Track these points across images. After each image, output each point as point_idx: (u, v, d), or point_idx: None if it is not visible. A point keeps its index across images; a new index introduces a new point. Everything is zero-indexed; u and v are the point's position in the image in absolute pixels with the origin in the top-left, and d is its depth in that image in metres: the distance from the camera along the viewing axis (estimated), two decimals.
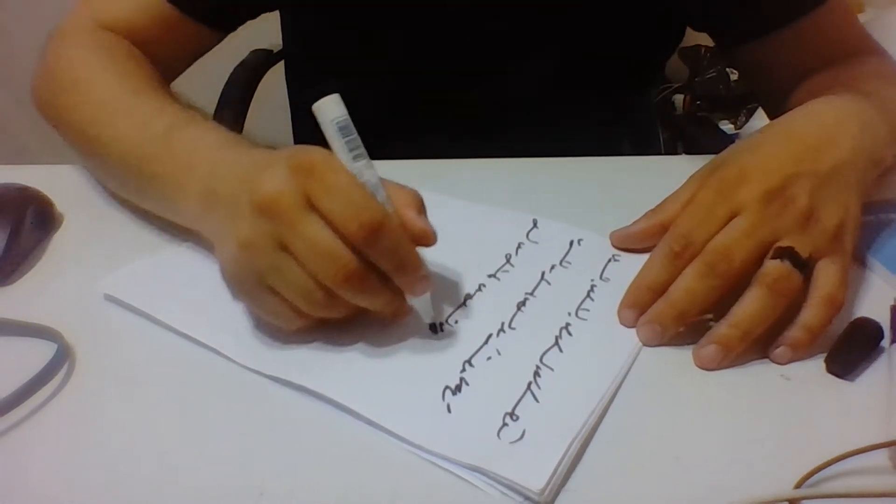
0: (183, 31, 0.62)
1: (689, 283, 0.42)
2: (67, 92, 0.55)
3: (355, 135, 0.38)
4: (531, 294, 0.45)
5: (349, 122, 0.38)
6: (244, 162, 0.41)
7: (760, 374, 0.40)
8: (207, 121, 0.49)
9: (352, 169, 0.37)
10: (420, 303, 0.41)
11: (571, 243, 0.50)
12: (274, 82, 0.94)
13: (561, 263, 0.48)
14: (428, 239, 0.39)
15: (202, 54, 0.67)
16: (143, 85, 0.53)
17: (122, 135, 0.50)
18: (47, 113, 0.57)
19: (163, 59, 0.60)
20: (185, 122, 0.48)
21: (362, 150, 0.38)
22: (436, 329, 0.42)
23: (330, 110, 0.38)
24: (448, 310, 0.44)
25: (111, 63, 0.55)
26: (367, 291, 0.38)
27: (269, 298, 0.39)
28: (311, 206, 0.36)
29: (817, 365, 0.40)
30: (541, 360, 0.40)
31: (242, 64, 1.00)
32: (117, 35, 0.59)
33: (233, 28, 0.67)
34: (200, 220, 0.44)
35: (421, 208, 0.40)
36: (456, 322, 0.43)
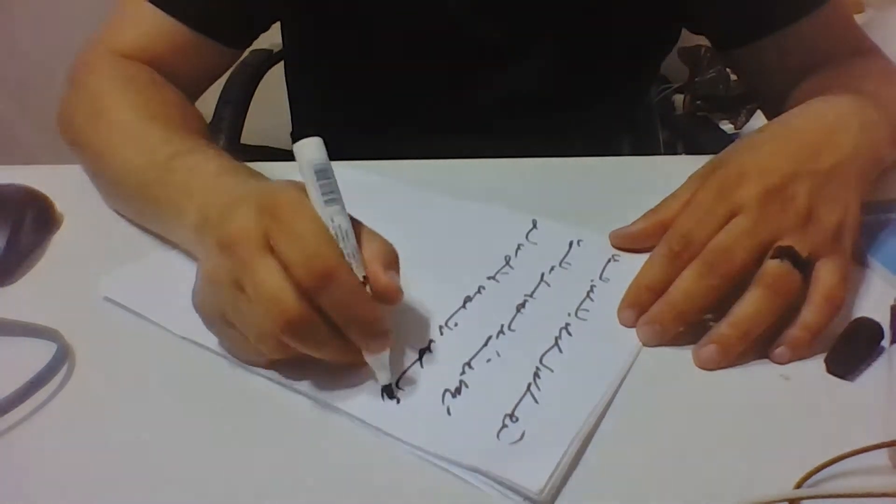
0: (201, 52, 0.62)
1: (689, 284, 0.42)
2: (89, 119, 0.56)
3: (332, 179, 0.38)
4: (531, 296, 0.45)
5: (327, 165, 0.38)
6: (233, 193, 0.41)
7: (760, 374, 0.40)
8: (211, 149, 0.49)
9: (322, 213, 0.37)
10: (374, 361, 0.38)
11: (571, 244, 0.50)
12: (274, 82, 0.94)
13: (560, 264, 0.48)
14: (391, 297, 0.38)
15: (220, 74, 0.67)
16: (158, 112, 0.54)
17: (129, 161, 0.51)
18: (70, 139, 0.58)
19: (183, 81, 0.61)
20: (187, 151, 0.48)
21: (337, 195, 0.37)
22: (391, 394, 0.38)
23: (309, 152, 0.37)
24: (448, 313, 0.44)
25: (130, 91, 0.56)
26: (311, 340, 0.36)
27: (230, 333, 0.39)
28: (270, 248, 0.36)
29: (817, 365, 0.40)
30: (540, 361, 0.40)
31: (242, 63, 1.00)
32: (139, 63, 0.59)
33: (249, 43, 0.68)
34: (195, 245, 0.44)
35: (392, 263, 0.39)
36: (456, 324, 0.43)
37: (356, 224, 0.39)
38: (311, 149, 0.38)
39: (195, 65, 0.63)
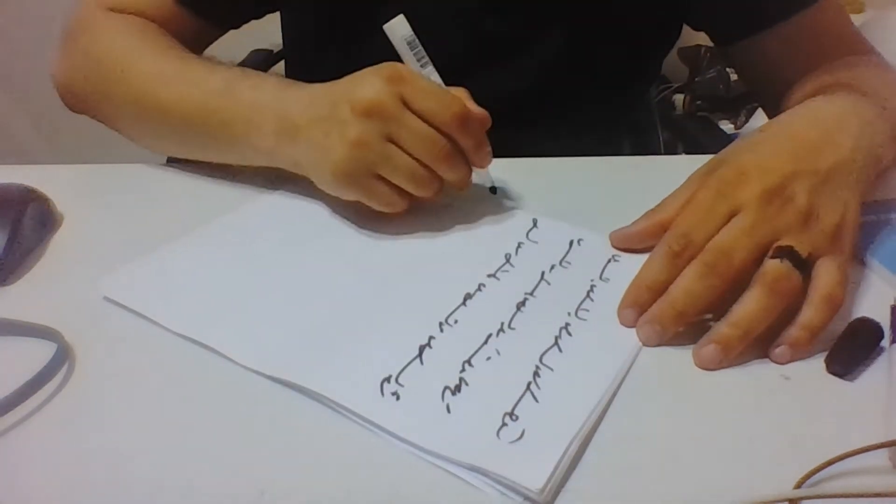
0: (186, 24, 0.64)
1: (689, 283, 0.41)
2: (112, 74, 0.58)
3: (420, 47, 0.49)
4: (531, 294, 0.45)
5: (415, 37, 0.49)
6: (315, 92, 0.49)
7: (760, 374, 0.40)
8: (258, 72, 0.55)
9: (423, 74, 0.48)
10: (483, 174, 0.54)
11: (571, 243, 0.50)
12: None
13: (561, 263, 0.48)
14: (487, 121, 0.49)
15: (205, 47, 0.69)
16: (185, 53, 0.58)
17: (182, 96, 0.54)
18: (86, 101, 0.61)
19: None
20: (241, 75, 0.54)
21: (427, 58, 0.50)
22: (495, 190, 0.55)
23: (400, 29, 0.49)
24: (448, 309, 0.44)
25: (149, 38, 0.59)
26: (457, 166, 0.49)
27: (379, 186, 0.48)
28: (407, 106, 0.46)
29: (817, 365, 0.40)
30: (540, 360, 0.40)
31: (242, 64, 1.00)
32: (136, 17, 0.62)
33: (236, 26, 0.69)
34: (277, 151, 0.51)
35: (472, 99, 0.49)
36: (456, 322, 0.43)
37: None
38: (401, 26, 0.49)
39: (179, 35, 0.64)
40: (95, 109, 0.61)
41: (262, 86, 0.52)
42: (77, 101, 0.62)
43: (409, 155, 0.47)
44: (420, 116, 0.46)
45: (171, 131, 0.57)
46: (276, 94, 0.51)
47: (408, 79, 0.46)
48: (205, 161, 0.58)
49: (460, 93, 0.49)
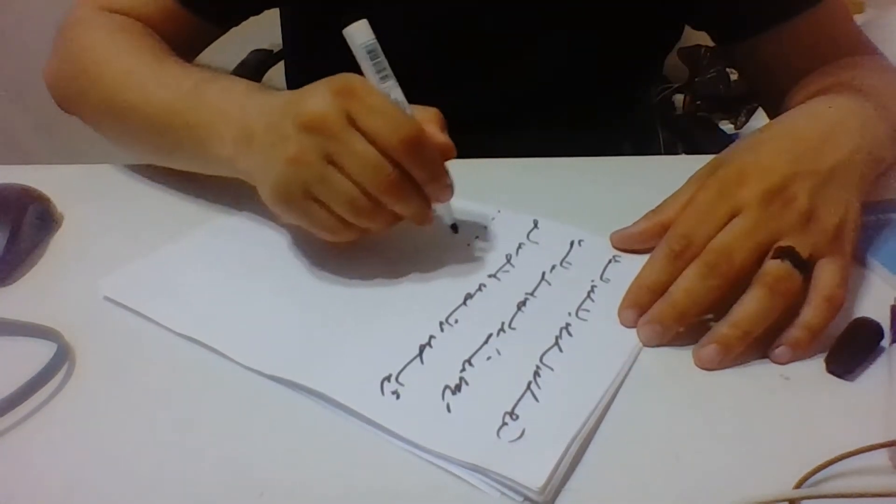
0: (184, 24, 0.64)
1: (690, 284, 0.42)
2: (89, 71, 0.57)
3: (382, 57, 0.43)
4: (531, 294, 0.45)
5: (377, 45, 0.43)
6: (275, 100, 0.45)
7: (760, 374, 0.40)
8: (230, 76, 0.53)
9: (381, 89, 0.42)
10: (442, 208, 0.47)
11: (572, 244, 0.50)
12: (274, 82, 0.94)
13: (561, 264, 0.48)
14: (450, 152, 0.44)
15: (204, 47, 0.69)
16: (163, 54, 0.57)
17: (152, 96, 0.53)
18: (69, 100, 0.60)
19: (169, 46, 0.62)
20: (211, 77, 0.51)
21: (389, 71, 0.43)
22: (456, 229, 0.49)
23: (359, 35, 0.42)
24: (448, 309, 0.44)
25: (129, 38, 0.58)
26: (405, 198, 0.43)
27: (316, 210, 0.42)
28: (354, 124, 0.40)
29: (817, 365, 0.40)
30: (541, 359, 0.40)
31: (242, 64, 1.00)
32: (127, 17, 0.61)
33: (235, 24, 0.68)
34: (236, 160, 0.47)
35: (443, 125, 0.44)
36: (456, 321, 0.43)
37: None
38: (360, 32, 0.42)
39: (177, 35, 0.64)
40: (77, 109, 0.60)
41: (230, 90, 0.49)
42: (63, 100, 0.61)
43: (352, 179, 0.41)
44: (367, 137, 0.41)
45: (139, 134, 0.55)
46: (241, 100, 0.48)
47: (359, 93, 0.41)
48: (175, 169, 0.56)
49: (427, 114, 0.44)
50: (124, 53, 0.57)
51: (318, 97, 0.41)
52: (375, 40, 0.42)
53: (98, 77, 0.56)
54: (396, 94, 0.43)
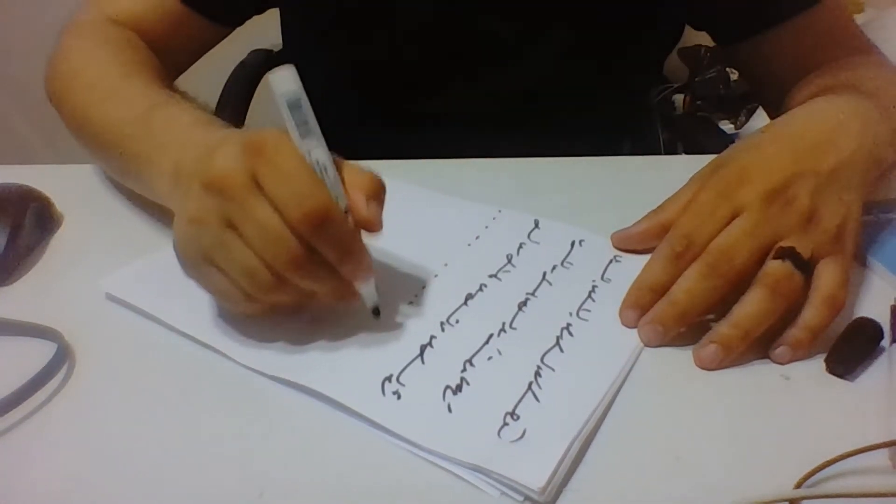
0: (190, 26, 0.64)
1: (691, 284, 0.42)
2: (65, 79, 0.57)
3: (306, 110, 0.36)
4: (532, 294, 0.45)
5: (300, 96, 0.36)
6: (208, 141, 0.40)
7: (760, 374, 0.40)
8: (187, 102, 0.50)
9: (300, 147, 0.36)
10: (364, 287, 0.40)
11: (573, 244, 0.50)
12: None
13: (562, 264, 0.48)
14: (372, 227, 0.38)
15: (208, 49, 0.69)
16: (135, 69, 0.55)
17: (108, 116, 0.51)
18: (53, 103, 0.60)
19: (169, 54, 0.62)
20: (163, 103, 0.49)
21: (312, 127, 0.37)
22: (378, 313, 0.42)
23: (280, 84, 0.36)
24: (449, 309, 0.44)
25: (108, 51, 0.57)
26: (312, 277, 0.38)
27: (215, 276, 0.38)
28: (259, 186, 0.36)
29: (817, 365, 0.40)
30: (542, 359, 0.40)
31: (242, 64, 1.00)
32: (124, 28, 0.61)
33: (239, 23, 0.69)
34: (170, 197, 0.44)
35: (375, 193, 0.39)
36: (457, 321, 0.43)
37: (338, 158, 0.38)
38: (282, 81, 0.36)
39: (182, 38, 0.64)
40: (59, 113, 0.59)
41: (174, 121, 0.46)
42: (49, 99, 0.61)
43: (253, 249, 0.36)
44: (272, 204, 0.36)
45: (96, 151, 0.54)
46: (182, 133, 0.44)
47: (268, 153, 0.36)
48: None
49: (359, 179, 0.38)
50: (94, 67, 0.56)
51: (226, 153, 0.37)
52: (300, 91, 0.36)
53: (70, 87, 0.56)
54: (318, 153, 0.37)
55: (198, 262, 0.39)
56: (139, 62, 0.57)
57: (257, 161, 0.36)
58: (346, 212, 0.37)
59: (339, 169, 0.38)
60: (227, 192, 0.36)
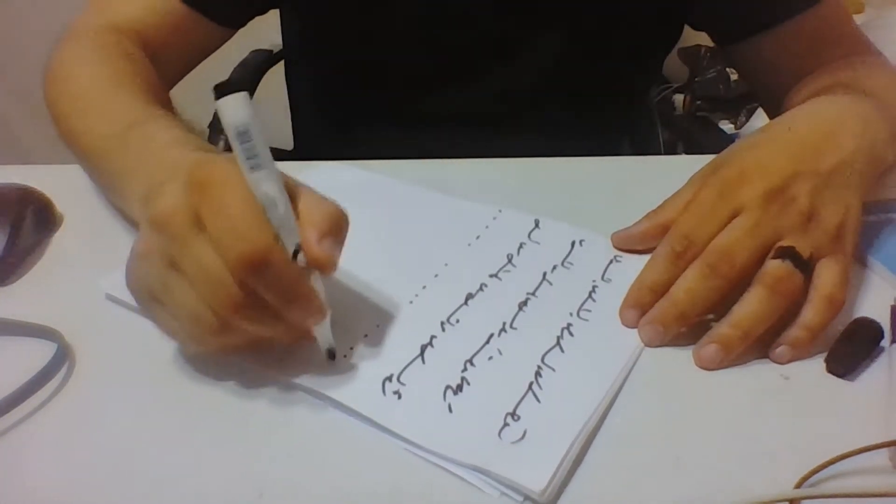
0: (192, 28, 0.63)
1: (691, 284, 0.42)
2: (58, 84, 0.57)
3: (255, 141, 0.33)
4: (533, 294, 0.45)
5: (249, 125, 0.33)
6: (176, 166, 0.38)
7: (760, 374, 0.40)
8: (169, 119, 0.48)
9: (249, 179, 0.34)
10: (317, 330, 0.38)
11: (573, 244, 0.50)
12: (274, 82, 0.94)
13: (563, 264, 0.48)
14: (324, 268, 0.36)
15: (209, 53, 0.68)
16: (124, 81, 0.54)
17: (91, 128, 0.51)
18: (47, 106, 0.59)
19: (171, 58, 0.62)
20: (145, 120, 0.47)
21: (262, 158, 0.33)
22: (333, 355, 0.39)
23: (229, 113, 0.33)
24: (450, 309, 0.44)
25: (100, 60, 0.56)
26: (257, 321, 0.35)
27: (161, 314, 0.37)
28: (203, 226, 0.33)
29: (817, 365, 0.40)
30: (542, 360, 0.40)
31: (242, 64, 1.00)
32: (123, 35, 0.60)
33: (242, 24, 0.68)
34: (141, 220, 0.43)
35: (331, 229, 0.35)
36: (457, 321, 0.43)
37: (299, 188, 0.36)
38: (231, 108, 0.33)
39: (185, 41, 0.63)
40: (52, 117, 0.58)
41: (150, 140, 0.44)
42: (46, 103, 0.60)
43: (196, 291, 0.34)
44: (213, 244, 0.33)
45: (80, 160, 0.54)
46: (156, 153, 0.43)
47: (211, 190, 0.33)
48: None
49: (315, 216, 0.35)
50: (85, 76, 0.55)
51: (173, 189, 0.34)
52: (250, 120, 0.33)
53: (60, 94, 0.56)
54: (268, 186, 0.34)
55: (145, 298, 0.37)
56: (130, 73, 0.56)
57: (201, 199, 0.33)
58: (297, 251, 0.35)
59: (295, 200, 0.35)
60: (168, 231, 0.34)
